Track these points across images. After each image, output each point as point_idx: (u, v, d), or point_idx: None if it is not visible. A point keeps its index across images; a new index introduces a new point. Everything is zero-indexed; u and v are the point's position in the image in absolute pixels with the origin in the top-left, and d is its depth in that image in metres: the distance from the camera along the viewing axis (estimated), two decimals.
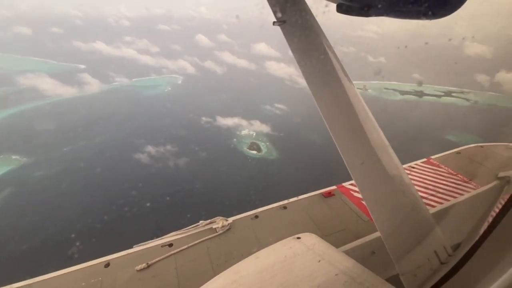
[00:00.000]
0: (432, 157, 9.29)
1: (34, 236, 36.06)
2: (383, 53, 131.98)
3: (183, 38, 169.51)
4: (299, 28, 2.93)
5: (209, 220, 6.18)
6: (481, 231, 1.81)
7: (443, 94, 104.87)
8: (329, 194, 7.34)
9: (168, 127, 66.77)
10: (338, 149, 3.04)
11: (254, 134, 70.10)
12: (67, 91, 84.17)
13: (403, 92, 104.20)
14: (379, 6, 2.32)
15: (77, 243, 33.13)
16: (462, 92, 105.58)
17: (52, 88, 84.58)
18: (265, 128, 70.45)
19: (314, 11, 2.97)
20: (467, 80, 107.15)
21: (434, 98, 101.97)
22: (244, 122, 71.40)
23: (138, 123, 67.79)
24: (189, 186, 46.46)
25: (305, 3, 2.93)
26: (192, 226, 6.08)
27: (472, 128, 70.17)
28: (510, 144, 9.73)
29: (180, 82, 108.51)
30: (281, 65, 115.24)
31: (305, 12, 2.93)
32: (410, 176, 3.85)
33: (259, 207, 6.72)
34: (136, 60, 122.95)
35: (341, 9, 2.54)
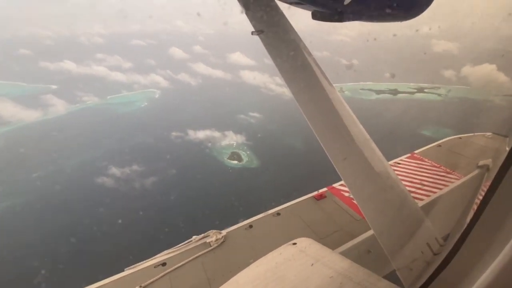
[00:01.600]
0: (416, 151, 9.55)
1: None
2: (355, 55, 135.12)
3: (157, 52, 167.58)
4: (277, 36, 3.05)
5: (202, 235, 6.06)
6: (468, 219, 1.88)
7: (415, 90, 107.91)
8: (321, 197, 7.38)
9: (136, 145, 64.38)
10: (324, 148, 3.13)
11: (234, 144, 69.30)
12: (31, 115, 79.84)
13: (378, 92, 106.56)
14: (351, 12, 2.48)
15: (43, 271, 32.05)
16: (433, 88, 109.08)
17: (15, 113, 79.97)
18: (239, 138, 69.55)
19: (290, 19, 3.09)
20: (435, 76, 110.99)
21: (408, 95, 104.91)
22: (217, 134, 70.06)
23: (102, 144, 64.93)
24: (165, 204, 44.71)
25: (281, 13, 3.05)
26: (185, 242, 5.92)
27: (445, 121, 71.99)
28: (486, 133, 10.01)
29: (157, 96, 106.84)
30: (255, 73, 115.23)
31: (282, 20, 3.05)
32: (396, 172, 3.81)
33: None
34: (106, 77, 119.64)
35: (315, 16, 2.69)
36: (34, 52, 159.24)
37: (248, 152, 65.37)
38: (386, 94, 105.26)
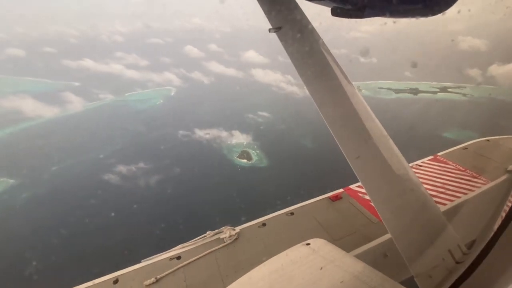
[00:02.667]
0: (439, 154, 9.10)
1: None
2: (374, 53, 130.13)
3: (173, 50, 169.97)
4: (295, 33, 3.01)
5: (216, 230, 6.15)
6: (495, 227, 1.82)
7: (438, 90, 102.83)
8: (337, 198, 7.22)
9: (144, 143, 65.13)
10: (340, 147, 3.06)
11: (244, 143, 68.78)
12: (50, 111, 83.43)
13: (397, 91, 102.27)
14: (373, 7, 2.42)
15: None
16: (458, 87, 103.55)
17: (35, 109, 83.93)
18: (245, 138, 68.85)
19: (308, 15, 3.04)
20: (460, 75, 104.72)
21: (430, 94, 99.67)
22: (224, 133, 69.61)
23: (112, 141, 66.18)
24: (180, 201, 45.25)
25: (299, 9, 3.00)
26: (200, 237, 6.03)
27: (469, 123, 67.96)
28: None
29: (172, 94, 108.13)
30: (267, 71, 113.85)
31: (300, 17, 3.00)
32: (417, 175, 3.76)
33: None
34: (122, 75, 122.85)
35: (335, 12, 2.61)
36: (59, 50, 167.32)
37: (258, 151, 64.81)
38: (406, 94, 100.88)
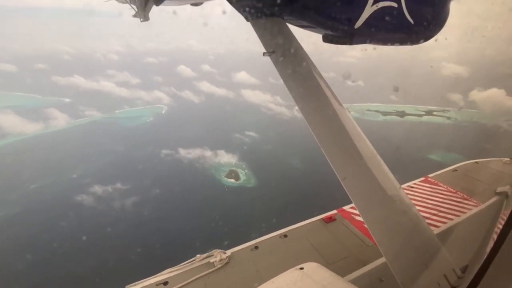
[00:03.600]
0: (430, 175, 9.23)
1: None
2: (361, 77, 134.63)
3: (166, 69, 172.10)
4: (288, 57, 3.16)
5: (206, 254, 5.96)
6: (488, 249, 1.85)
7: (424, 113, 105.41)
8: (330, 219, 7.16)
9: (125, 162, 63.64)
10: (333, 167, 3.07)
11: (233, 162, 68.22)
12: (31, 128, 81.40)
13: (385, 113, 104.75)
14: (362, 35, 2.60)
15: None
16: (442, 111, 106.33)
17: (17, 125, 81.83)
18: (231, 158, 68.16)
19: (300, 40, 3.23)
20: (442, 99, 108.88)
21: (416, 117, 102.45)
22: (208, 153, 68.83)
23: (92, 160, 64.38)
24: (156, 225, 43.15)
25: (292, 35, 3.18)
26: (188, 261, 5.83)
27: (454, 145, 69.58)
28: (504, 159, 9.76)
29: (164, 112, 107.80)
30: (257, 92, 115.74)
31: (293, 42, 3.17)
32: (409, 196, 3.60)
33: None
34: (111, 93, 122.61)
35: (326, 39, 2.80)
36: (51, 66, 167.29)
37: (246, 171, 64.02)
38: (393, 116, 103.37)
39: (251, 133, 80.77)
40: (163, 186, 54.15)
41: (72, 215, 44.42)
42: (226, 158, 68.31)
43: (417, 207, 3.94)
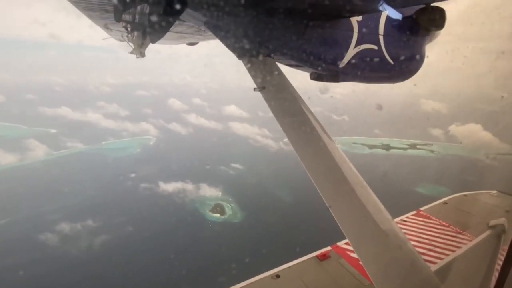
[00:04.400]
0: (422, 208, 9.19)
1: None
2: (345, 111, 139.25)
3: (157, 102, 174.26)
4: (278, 92, 3.31)
5: None
6: (491, 286, 1.83)
7: (408, 146, 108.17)
8: (325, 257, 6.98)
9: (99, 197, 60.24)
10: (325, 201, 3.07)
11: (220, 194, 66.05)
12: (7, 159, 77.86)
13: (371, 146, 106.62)
14: (347, 73, 2.84)
15: None
16: (425, 144, 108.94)
17: None
18: (213, 192, 65.99)
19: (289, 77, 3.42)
20: (424, 133, 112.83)
21: (401, 150, 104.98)
22: (189, 187, 66.38)
23: (64, 194, 60.58)
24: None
25: (281, 72, 3.39)
26: None
27: (439, 178, 70.42)
28: (492, 191, 9.84)
29: (151, 143, 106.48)
30: (245, 124, 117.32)
31: (282, 79, 3.35)
32: (403, 230, 3.46)
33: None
34: (98, 124, 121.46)
35: (313, 76, 3.09)
36: (40, 97, 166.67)
37: (232, 205, 61.73)
38: (379, 149, 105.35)
39: (237, 166, 79.74)
40: (138, 222, 50.85)
41: (29, 256, 40.20)
42: (208, 192, 66.16)
43: (412, 242, 3.83)
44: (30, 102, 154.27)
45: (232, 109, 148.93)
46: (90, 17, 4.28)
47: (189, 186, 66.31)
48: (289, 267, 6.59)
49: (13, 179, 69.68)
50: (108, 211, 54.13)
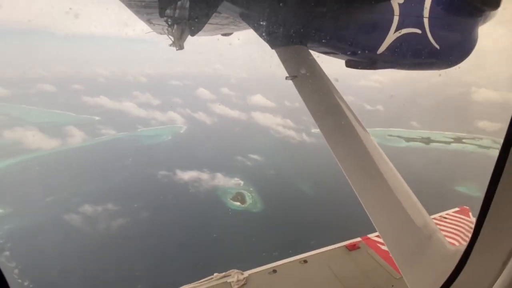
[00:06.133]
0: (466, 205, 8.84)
1: None
2: (381, 101, 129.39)
3: (186, 91, 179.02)
4: (310, 81, 3.25)
5: (223, 273, 5.98)
6: None
7: (452, 140, 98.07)
8: (354, 247, 6.86)
9: (120, 182, 63.43)
10: (357, 194, 2.98)
11: (242, 183, 67.12)
12: (49, 144, 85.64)
13: (408, 139, 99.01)
14: (384, 61, 2.69)
15: None
16: (474, 138, 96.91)
17: (37, 141, 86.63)
18: (227, 182, 66.27)
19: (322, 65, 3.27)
20: (469, 126, 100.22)
21: (443, 144, 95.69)
22: (205, 176, 67.16)
23: (90, 179, 64.68)
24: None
25: (313, 59, 3.31)
26: (206, 279, 5.86)
27: (487, 177, 63.39)
28: None
29: (182, 131, 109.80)
30: (267, 114, 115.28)
31: (315, 66, 3.27)
32: (441, 228, 3.68)
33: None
34: (130, 113, 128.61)
35: (349, 64, 2.94)
36: (86, 87, 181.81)
37: (253, 194, 62.29)
38: (417, 142, 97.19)
39: (255, 156, 79.10)
40: (157, 208, 53.00)
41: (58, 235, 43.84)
42: (222, 181, 66.74)
43: (450, 240, 3.55)
44: (76, 92, 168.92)
45: (257, 98, 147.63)
46: (136, 13, 4.49)
47: (205, 176, 67.39)
48: (317, 254, 6.58)
49: (55, 162, 76.67)
50: (128, 196, 56.99)
